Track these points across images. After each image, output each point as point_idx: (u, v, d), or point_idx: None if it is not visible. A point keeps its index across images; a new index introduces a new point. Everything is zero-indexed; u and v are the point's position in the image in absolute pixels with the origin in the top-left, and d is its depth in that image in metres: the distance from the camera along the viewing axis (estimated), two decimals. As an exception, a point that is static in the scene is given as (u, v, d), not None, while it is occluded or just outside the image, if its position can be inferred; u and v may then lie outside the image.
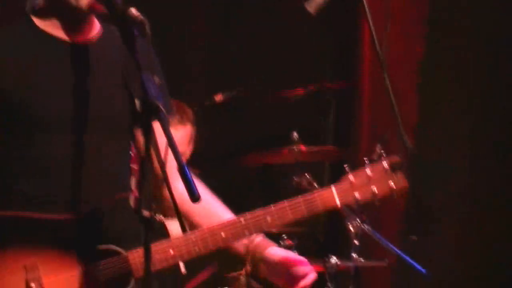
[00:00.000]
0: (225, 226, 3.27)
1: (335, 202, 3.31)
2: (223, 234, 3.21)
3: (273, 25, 6.11)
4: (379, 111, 5.81)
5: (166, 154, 2.80)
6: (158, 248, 3.08)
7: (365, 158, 3.37)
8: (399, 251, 4.85)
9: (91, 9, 3.17)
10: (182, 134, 4.59)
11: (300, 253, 4.03)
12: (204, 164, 4.90)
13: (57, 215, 3.12)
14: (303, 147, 4.78)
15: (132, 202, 3.30)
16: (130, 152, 3.36)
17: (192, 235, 3.23)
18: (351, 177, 3.30)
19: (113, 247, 3.14)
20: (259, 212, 3.23)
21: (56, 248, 3.13)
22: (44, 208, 3.12)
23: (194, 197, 2.73)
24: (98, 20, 3.29)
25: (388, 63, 4.28)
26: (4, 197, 3.21)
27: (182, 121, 4.62)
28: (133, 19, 2.92)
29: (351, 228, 4.56)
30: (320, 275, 4.10)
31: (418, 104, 6.21)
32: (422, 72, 6.27)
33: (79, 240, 3.14)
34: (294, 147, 4.79)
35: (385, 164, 3.37)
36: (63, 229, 3.17)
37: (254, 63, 6.08)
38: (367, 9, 4.11)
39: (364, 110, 6.06)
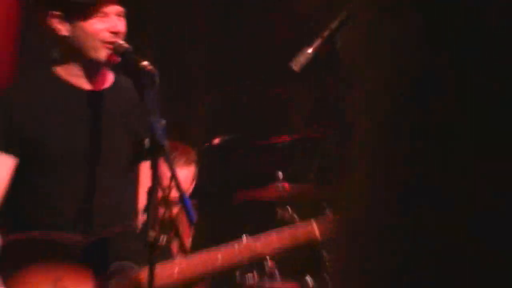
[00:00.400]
0: (224, 250, 3.56)
1: (316, 235, 3.63)
2: (220, 256, 3.55)
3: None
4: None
5: (170, 183, 3.20)
6: (163, 267, 3.39)
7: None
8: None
9: (108, 61, 3.46)
10: (187, 173, 4.69)
11: (280, 274, 4.59)
12: (200, 196, 5.00)
13: (76, 237, 3.48)
14: (286, 185, 4.88)
15: (139, 226, 3.63)
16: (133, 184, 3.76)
17: (194, 257, 3.59)
18: (329, 213, 3.62)
19: (124, 264, 3.47)
20: (249, 240, 3.56)
21: (76, 264, 3.49)
22: (65, 232, 3.47)
23: (191, 220, 3.19)
24: (112, 70, 3.61)
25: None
26: (30, 220, 3.57)
27: (187, 162, 4.73)
28: (146, 71, 3.26)
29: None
30: None
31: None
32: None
33: (95, 258, 3.49)
34: (279, 185, 4.92)
35: None
36: (82, 249, 3.50)
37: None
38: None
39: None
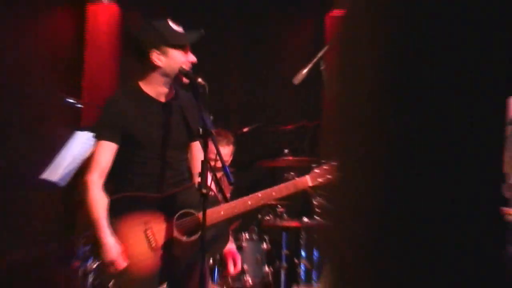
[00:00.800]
0: (251, 197, 4.14)
1: (307, 183, 4.34)
2: (249, 202, 4.16)
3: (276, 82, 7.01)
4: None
5: (215, 157, 3.87)
6: (213, 210, 3.98)
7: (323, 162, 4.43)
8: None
9: (180, 82, 4.03)
10: (227, 150, 5.47)
11: (288, 215, 5.79)
12: (236, 165, 5.77)
13: (156, 194, 4.04)
14: (290, 158, 5.94)
15: (196, 185, 3.94)
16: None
17: (233, 203, 4.14)
18: (316, 170, 4.36)
19: (187, 210, 4.02)
20: (267, 190, 4.19)
21: (157, 212, 4.03)
22: (148, 191, 4.07)
23: (229, 181, 3.82)
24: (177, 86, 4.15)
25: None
26: (125, 185, 4.11)
27: (227, 143, 5.51)
28: (200, 84, 3.90)
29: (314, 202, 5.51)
30: (297, 230, 5.94)
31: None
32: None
33: (168, 207, 4.05)
34: (286, 158, 5.95)
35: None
36: (160, 202, 4.05)
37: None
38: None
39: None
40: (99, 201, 3.99)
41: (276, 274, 5.83)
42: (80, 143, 5.41)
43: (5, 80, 5.58)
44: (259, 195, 4.15)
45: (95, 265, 4.93)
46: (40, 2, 6.39)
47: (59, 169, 5.35)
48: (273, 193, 4.27)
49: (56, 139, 5.44)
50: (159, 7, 5.77)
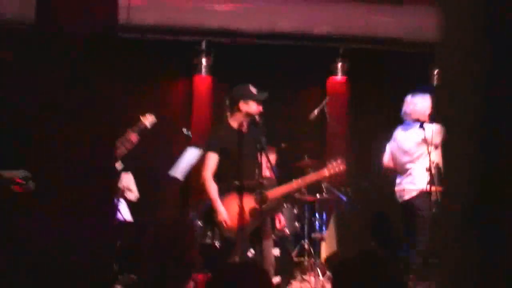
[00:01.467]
0: (294, 182, 5.15)
1: (325, 174, 5.37)
2: (294, 185, 5.23)
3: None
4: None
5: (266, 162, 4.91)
6: (273, 190, 5.07)
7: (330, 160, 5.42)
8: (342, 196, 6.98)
9: (254, 119, 4.94)
10: (273, 158, 6.38)
11: (308, 192, 6.84)
12: (278, 165, 6.51)
13: (243, 183, 4.87)
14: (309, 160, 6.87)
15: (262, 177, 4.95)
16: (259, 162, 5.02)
17: (284, 186, 5.14)
18: (329, 165, 5.28)
19: (261, 191, 4.98)
20: (301, 178, 5.28)
21: (245, 193, 4.95)
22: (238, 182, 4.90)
23: (275, 175, 5.01)
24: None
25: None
26: (225, 181, 5.02)
27: (273, 153, 6.46)
28: (259, 122, 4.95)
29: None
30: (313, 201, 6.94)
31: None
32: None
33: (250, 190, 4.96)
34: (306, 161, 6.91)
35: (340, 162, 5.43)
36: (246, 187, 4.94)
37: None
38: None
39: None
40: (213, 187, 5.16)
41: (302, 227, 7.08)
42: (191, 154, 6.25)
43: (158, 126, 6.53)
44: (299, 181, 5.42)
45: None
46: (159, 75, 7.82)
47: (179, 169, 6.21)
48: (306, 180, 5.57)
49: (179, 153, 6.30)
50: (237, 77, 6.27)
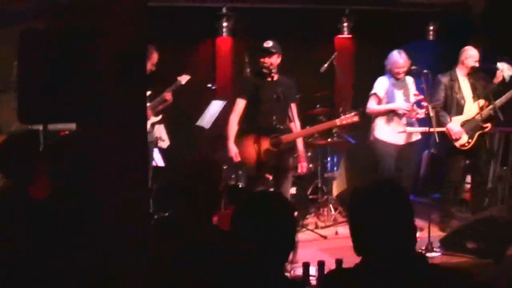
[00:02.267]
0: (310, 128, 5.46)
1: (336, 124, 5.53)
2: (308, 131, 5.53)
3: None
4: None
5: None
6: (288, 134, 5.18)
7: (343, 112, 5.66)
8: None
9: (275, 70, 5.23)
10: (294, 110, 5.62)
11: (320, 137, 6.97)
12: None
13: (262, 126, 5.11)
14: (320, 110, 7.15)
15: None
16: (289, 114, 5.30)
17: (298, 132, 5.32)
18: (342, 115, 5.43)
19: (276, 134, 5.19)
20: (315, 126, 5.60)
21: (260, 135, 5.14)
22: (264, 126, 5.10)
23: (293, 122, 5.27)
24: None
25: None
26: (251, 123, 5.17)
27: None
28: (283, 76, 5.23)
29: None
30: (325, 145, 7.12)
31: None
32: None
33: (266, 132, 5.22)
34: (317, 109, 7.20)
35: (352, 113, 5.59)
36: (262, 130, 5.19)
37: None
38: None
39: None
40: (232, 128, 5.33)
41: (315, 167, 7.22)
42: (215, 106, 6.58)
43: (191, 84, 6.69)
44: (313, 128, 5.82)
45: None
46: (186, 38, 7.72)
47: (205, 119, 6.59)
48: (319, 127, 5.90)
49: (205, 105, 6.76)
50: (255, 37, 6.27)
